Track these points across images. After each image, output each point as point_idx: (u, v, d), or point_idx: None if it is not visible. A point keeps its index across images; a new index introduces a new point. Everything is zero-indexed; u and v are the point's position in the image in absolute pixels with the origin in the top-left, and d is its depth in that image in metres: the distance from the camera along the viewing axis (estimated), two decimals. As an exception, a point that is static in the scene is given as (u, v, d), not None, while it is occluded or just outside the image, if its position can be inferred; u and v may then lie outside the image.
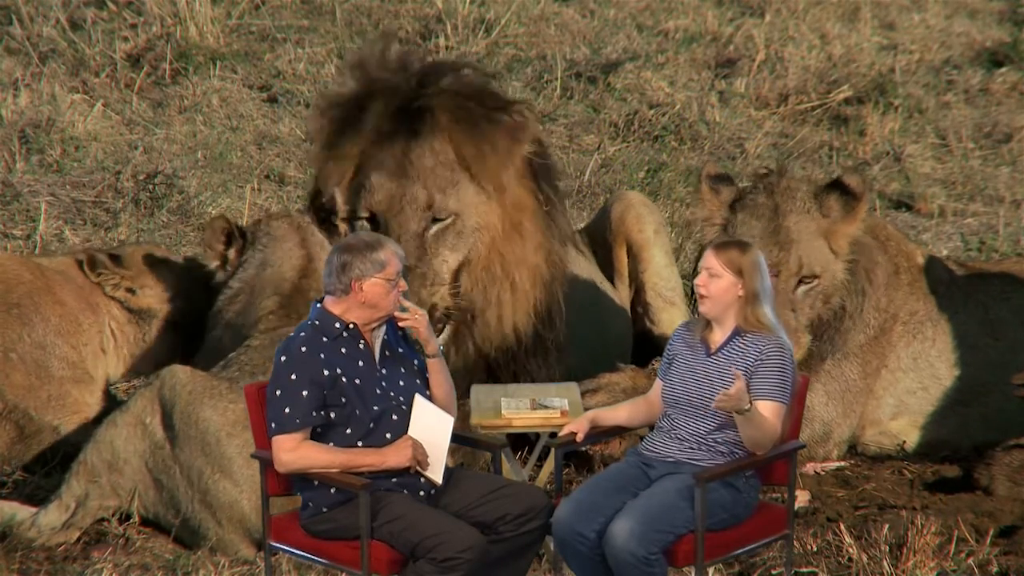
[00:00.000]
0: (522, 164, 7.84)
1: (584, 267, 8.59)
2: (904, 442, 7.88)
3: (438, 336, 7.57)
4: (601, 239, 8.87)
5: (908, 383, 7.88)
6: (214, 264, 7.81)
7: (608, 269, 8.80)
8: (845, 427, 7.79)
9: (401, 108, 7.68)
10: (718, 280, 5.76)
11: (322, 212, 7.92)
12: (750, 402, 5.57)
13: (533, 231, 7.86)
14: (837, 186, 7.58)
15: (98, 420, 7.64)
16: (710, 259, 5.78)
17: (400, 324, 5.78)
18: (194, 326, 7.94)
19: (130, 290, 7.91)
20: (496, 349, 7.84)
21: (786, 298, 7.41)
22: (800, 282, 7.51)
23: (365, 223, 7.66)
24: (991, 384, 7.82)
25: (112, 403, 7.79)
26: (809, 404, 7.58)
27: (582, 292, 8.37)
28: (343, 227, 7.76)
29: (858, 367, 7.78)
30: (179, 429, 6.68)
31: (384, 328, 5.75)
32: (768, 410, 5.67)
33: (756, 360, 5.71)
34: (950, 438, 7.85)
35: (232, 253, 7.77)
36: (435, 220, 7.64)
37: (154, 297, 7.96)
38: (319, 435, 5.64)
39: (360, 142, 7.71)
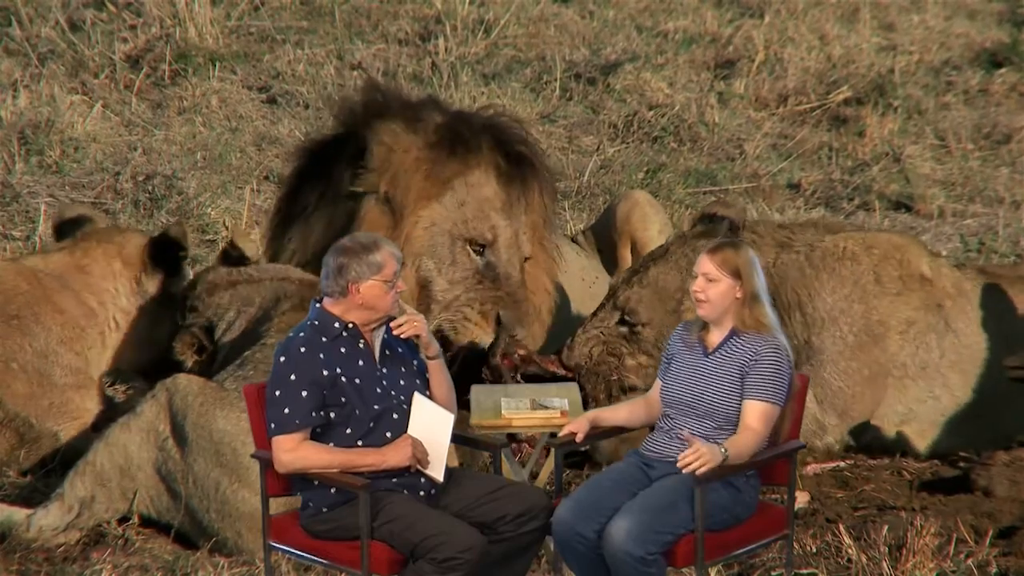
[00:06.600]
0: None
1: (585, 263, 8.59)
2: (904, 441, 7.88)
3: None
4: (607, 237, 8.89)
5: (917, 392, 7.84)
6: (190, 365, 7.61)
7: (612, 267, 8.80)
8: (843, 427, 7.77)
9: (509, 153, 7.89)
10: (716, 284, 5.71)
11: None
12: (724, 449, 5.55)
13: (544, 258, 8.05)
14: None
15: (97, 422, 7.65)
16: (705, 264, 5.71)
17: (399, 333, 5.72)
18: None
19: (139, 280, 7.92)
20: None
21: None
22: None
23: (470, 250, 7.74)
24: (1007, 396, 7.75)
25: (111, 407, 7.78)
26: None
27: (582, 286, 8.36)
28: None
29: (841, 373, 7.74)
30: (192, 440, 6.64)
31: (384, 328, 5.75)
32: (758, 411, 5.64)
33: (752, 360, 5.69)
34: (960, 448, 7.79)
35: (206, 356, 7.60)
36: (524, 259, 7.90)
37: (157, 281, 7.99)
38: (319, 435, 5.63)
39: (464, 171, 7.79)
